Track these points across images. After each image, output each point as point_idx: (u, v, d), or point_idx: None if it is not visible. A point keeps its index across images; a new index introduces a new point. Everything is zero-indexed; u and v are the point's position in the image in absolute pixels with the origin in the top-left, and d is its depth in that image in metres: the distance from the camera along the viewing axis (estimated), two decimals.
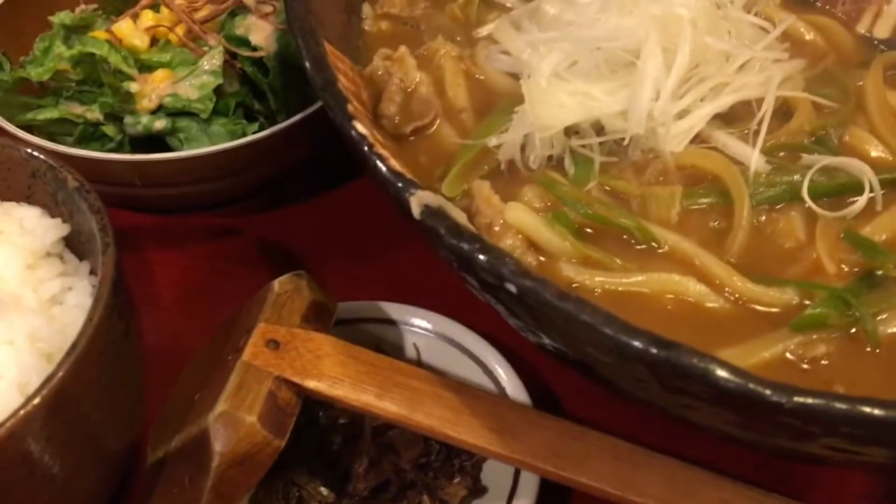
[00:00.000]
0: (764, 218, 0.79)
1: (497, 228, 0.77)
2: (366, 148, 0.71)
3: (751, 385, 0.55)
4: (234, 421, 0.70)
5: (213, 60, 1.05)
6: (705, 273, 0.75)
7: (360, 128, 0.73)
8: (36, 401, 0.64)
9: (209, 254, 1.09)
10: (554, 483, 0.77)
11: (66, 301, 0.77)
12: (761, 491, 0.77)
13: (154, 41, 1.11)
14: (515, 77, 0.90)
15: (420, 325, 0.92)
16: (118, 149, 1.06)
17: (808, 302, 0.73)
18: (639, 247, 0.78)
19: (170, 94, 1.04)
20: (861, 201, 0.79)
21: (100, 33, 1.09)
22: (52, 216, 0.83)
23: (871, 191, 0.79)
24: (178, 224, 1.12)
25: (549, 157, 0.84)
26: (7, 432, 0.63)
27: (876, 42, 0.98)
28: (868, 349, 0.71)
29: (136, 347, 0.79)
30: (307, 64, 0.78)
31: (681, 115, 0.82)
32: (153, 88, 1.05)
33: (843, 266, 0.76)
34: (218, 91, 1.05)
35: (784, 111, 0.86)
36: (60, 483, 0.71)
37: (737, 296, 0.74)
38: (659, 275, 0.75)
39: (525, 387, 0.85)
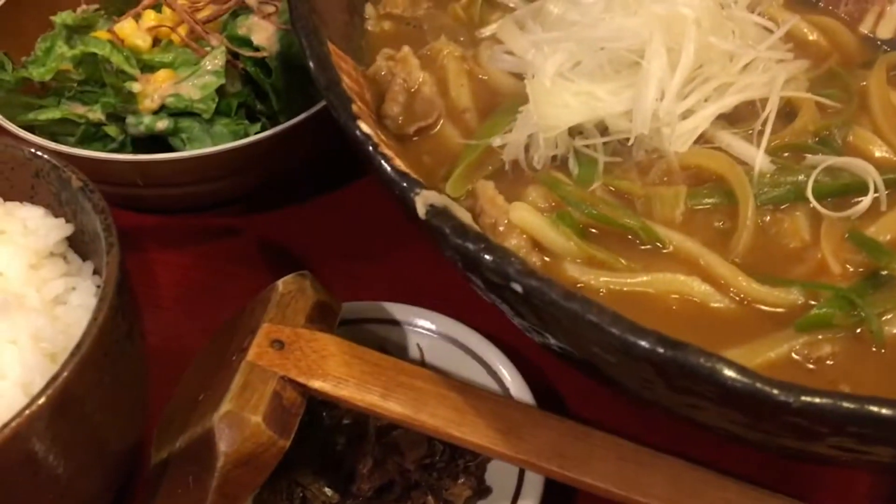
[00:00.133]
0: (768, 218, 0.79)
1: (502, 228, 0.77)
2: (370, 148, 0.71)
3: (758, 385, 0.55)
4: (239, 421, 0.70)
5: (215, 61, 1.05)
6: (710, 273, 0.75)
7: (365, 128, 0.72)
8: (41, 401, 0.64)
9: (211, 254, 1.09)
10: (558, 483, 0.77)
11: (69, 301, 0.77)
12: (766, 491, 0.77)
13: (156, 41, 1.11)
14: (519, 77, 0.90)
15: (424, 326, 0.91)
16: (120, 149, 1.06)
17: (813, 302, 0.73)
18: (643, 247, 0.78)
19: (172, 95, 1.04)
20: (865, 201, 0.79)
21: (102, 33, 1.09)
22: (56, 216, 0.82)
23: (876, 191, 0.79)
24: (180, 224, 1.12)
25: (553, 158, 0.84)
26: (11, 432, 0.63)
27: (879, 42, 0.98)
28: (873, 349, 0.71)
29: (140, 348, 0.79)
30: (311, 63, 0.78)
31: (685, 115, 0.82)
32: (155, 89, 1.05)
33: (847, 266, 0.76)
34: (220, 91, 1.04)
35: (788, 111, 0.86)
36: (64, 483, 0.71)
37: (742, 296, 0.74)
38: (664, 275, 0.75)
39: (529, 387, 0.84)
